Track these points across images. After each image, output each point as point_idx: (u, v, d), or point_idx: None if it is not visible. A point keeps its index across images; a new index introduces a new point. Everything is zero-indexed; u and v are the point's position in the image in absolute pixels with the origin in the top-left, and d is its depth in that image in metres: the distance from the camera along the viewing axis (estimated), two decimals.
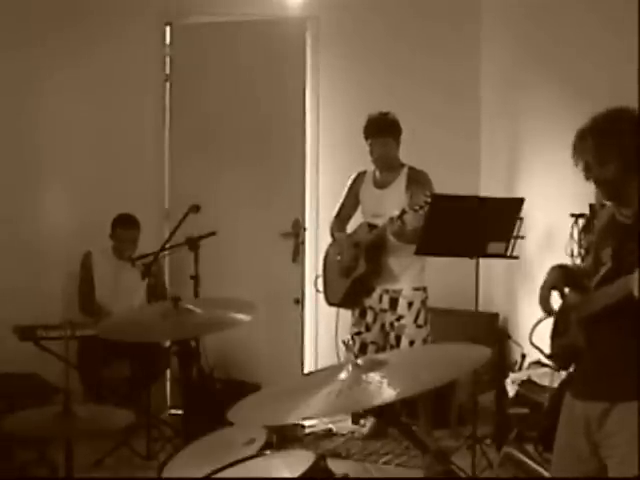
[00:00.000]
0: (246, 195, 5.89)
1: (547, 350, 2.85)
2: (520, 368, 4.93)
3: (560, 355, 2.76)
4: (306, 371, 5.72)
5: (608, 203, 2.71)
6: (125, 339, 3.34)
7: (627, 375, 2.50)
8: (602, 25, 4.27)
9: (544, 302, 2.68)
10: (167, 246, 4.76)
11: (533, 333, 2.83)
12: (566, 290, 2.69)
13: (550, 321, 2.79)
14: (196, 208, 4.62)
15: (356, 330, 5.00)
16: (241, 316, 3.04)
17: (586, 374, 2.63)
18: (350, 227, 5.13)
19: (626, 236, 2.53)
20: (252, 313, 3.05)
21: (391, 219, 4.62)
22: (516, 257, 4.46)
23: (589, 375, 2.62)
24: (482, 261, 4.42)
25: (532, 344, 2.89)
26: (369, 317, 4.96)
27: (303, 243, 5.78)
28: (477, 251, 4.35)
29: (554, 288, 2.68)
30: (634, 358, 2.48)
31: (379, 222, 4.81)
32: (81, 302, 5.40)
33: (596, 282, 2.59)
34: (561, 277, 2.68)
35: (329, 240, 5.18)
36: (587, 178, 2.59)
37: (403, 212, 4.56)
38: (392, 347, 4.87)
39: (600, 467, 2.57)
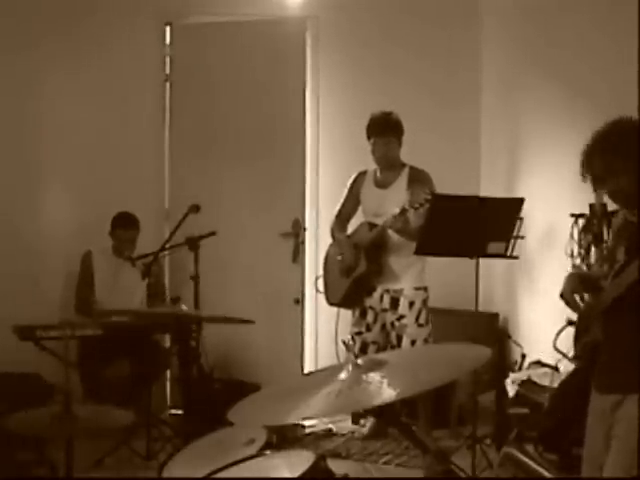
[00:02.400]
0: (246, 195, 5.90)
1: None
2: (520, 368, 4.93)
3: (582, 354, 2.81)
4: (306, 371, 5.72)
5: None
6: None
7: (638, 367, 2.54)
8: (600, 27, 4.27)
9: (572, 304, 2.76)
10: (167, 246, 4.76)
11: (557, 339, 2.93)
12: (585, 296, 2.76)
13: (550, 322, 2.84)
14: (196, 208, 4.62)
15: (357, 330, 5.00)
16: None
17: (603, 367, 2.68)
18: (351, 227, 5.13)
19: (638, 233, 2.62)
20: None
21: (393, 217, 4.62)
22: (516, 257, 4.46)
23: (605, 368, 2.67)
24: (482, 261, 4.42)
25: (555, 349, 2.98)
26: (370, 317, 4.96)
27: (303, 243, 5.78)
28: (477, 251, 4.35)
29: (574, 292, 2.76)
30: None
31: (380, 222, 4.81)
32: (78, 302, 5.40)
33: (610, 278, 2.67)
34: (579, 283, 2.77)
35: (329, 240, 5.18)
36: (596, 190, 2.72)
37: (403, 210, 4.57)
38: (393, 347, 4.87)
39: None
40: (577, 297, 2.76)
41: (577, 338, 2.83)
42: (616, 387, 2.61)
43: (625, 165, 2.58)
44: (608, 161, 2.61)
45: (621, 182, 2.60)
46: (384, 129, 4.86)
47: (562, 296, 2.76)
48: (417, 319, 4.85)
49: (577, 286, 2.76)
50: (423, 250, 4.45)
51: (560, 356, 4.13)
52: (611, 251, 2.75)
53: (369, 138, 4.91)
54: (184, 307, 4.39)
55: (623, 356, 2.61)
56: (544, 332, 4.82)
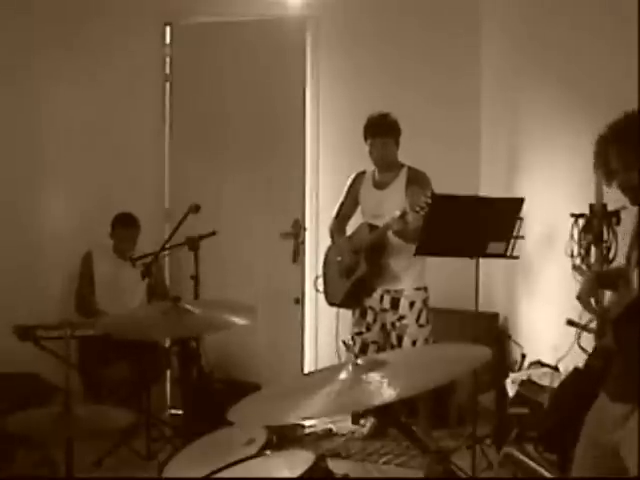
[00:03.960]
0: (246, 195, 5.90)
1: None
2: (520, 368, 4.93)
3: (599, 356, 2.80)
4: (306, 371, 5.72)
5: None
6: (124, 337, 3.34)
7: None
8: (599, 29, 4.27)
9: (588, 307, 2.71)
10: (167, 246, 4.76)
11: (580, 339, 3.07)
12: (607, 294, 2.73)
13: (550, 322, 2.83)
14: (196, 208, 4.61)
15: (357, 330, 5.01)
16: (239, 319, 3.05)
17: (615, 375, 2.66)
18: (350, 227, 5.13)
19: None
20: (251, 317, 3.05)
21: (393, 219, 4.63)
22: (516, 257, 4.46)
23: (617, 376, 2.64)
24: (482, 261, 4.42)
25: (581, 348, 3.24)
26: (369, 317, 4.96)
27: (303, 243, 5.78)
28: (477, 251, 4.35)
29: (591, 295, 2.71)
30: None
31: (379, 223, 4.82)
32: (78, 302, 5.41)
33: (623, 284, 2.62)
34: (596, 284, 2.73)
35: (329, 240, 5.18)
36: (609, 184, 2.61)
37: (404, 213, 4.57)
38: (394, 347, 4.87)
39: (621, 466, 2.58)
40: (593, 300, 2.71)
41: (598, 339, 2.81)
42: (627, 396, 2.56)
43: (637, 159, 2.48)
44: (622, 154, 2.51)
45: (633, 176, 2.52)
46: (381, 130, 4.86)
47: (579, 298, 2.72)
48: (418, 319, 4.85)
49: (594, 288, 2.70)
50: (423, 250, 4.45)
51: (560, 356, 4.15)
52: (628, 254, 2.70)
53: (366, 139, 4.91)
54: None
55: (635, 365, 2.55)
56: (544, 332, 4.85)
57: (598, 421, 2.70)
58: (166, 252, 4.91)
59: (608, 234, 3.93)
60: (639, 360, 2.55)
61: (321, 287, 5.20)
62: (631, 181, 2.53)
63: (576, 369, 3.83)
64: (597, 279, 2.75)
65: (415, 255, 4.50)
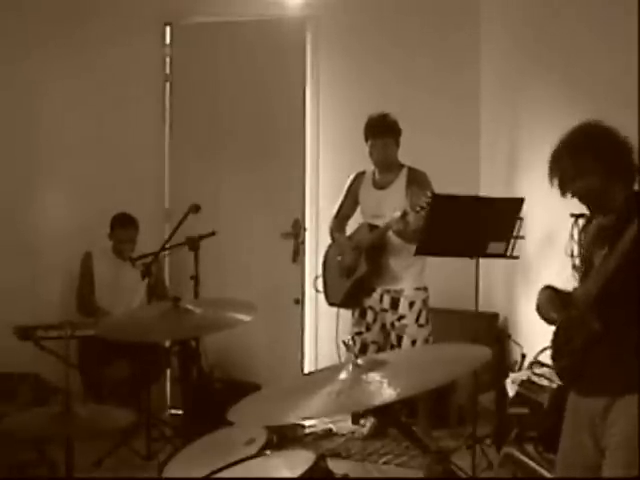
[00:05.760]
0: (246, 195, 5.90)
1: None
2: (520, 368, 4.93)
3: (561, 374, 2.81)
4: (306, 371, 5.72)
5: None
6: (125, 339, 3.35)
7: (628, 369, 2.53)
8: (599, 25, 4.27)
9: (546, 313, 2.77)
10: (167, 246, 4.76)
11: (537, 357, 3.23)
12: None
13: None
14: (196, 208, 4.62)
15: (357, 330, 5.01)
16: (241, 316, 3.05)
17: (589, 371, 2.65)
18: (349, 228, 5.13)
19: None
20: (252, 313, 3.05)
21: (394, 219, 4.63)
22: (516, 257, 4.46)
23: (592, 372, 2.64)
24: (482, 261, 4.42)
25: (534, 373, 3.07)
26: (369, 317, 4.96)
27: (303, 243, 5.78)
28: (477, 251, 4.35)
29: (550, 302, 2.78)
30: (633, 353, 2.51)
31: (379, 223, 4.82)
32: (79, 302, 5.41)
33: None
34: (555, 299, 2.78)
35: (329, 240, 5.18)
36: (563, 194, 2.72)
37: (405, 213, 4.57)
38: (393, 347, 4.88)
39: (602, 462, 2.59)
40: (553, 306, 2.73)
41: (555, 358, 2.82)
42: (606, 390, 2.58)
43: (594, 165, 2.61)
44: (578, 161, 2.65)
45: (591, 182, 2.63)
46: (381, 131, 4.86)
47: (537, 309, 2.77)
48: (417, 319, 4.85)
49: (552, 296, 2.76)
50: (423, 250, 4.45)
51: None
52: (587, 259, 2.74)
53: (367, 140, 4.92)
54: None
55: (611, 359, 2.57)
56: (544, 332, 4.84)
57: (573, 421, 2.70)
58: (166, 252, 4.91)
59: None
60: (613, 355, 2.56)
61: (320, 287, 5.20)
62: (589, 186, 2.64)
63: None
64: (555, 294, 2.79)
65: (415, 255, 4.50)
